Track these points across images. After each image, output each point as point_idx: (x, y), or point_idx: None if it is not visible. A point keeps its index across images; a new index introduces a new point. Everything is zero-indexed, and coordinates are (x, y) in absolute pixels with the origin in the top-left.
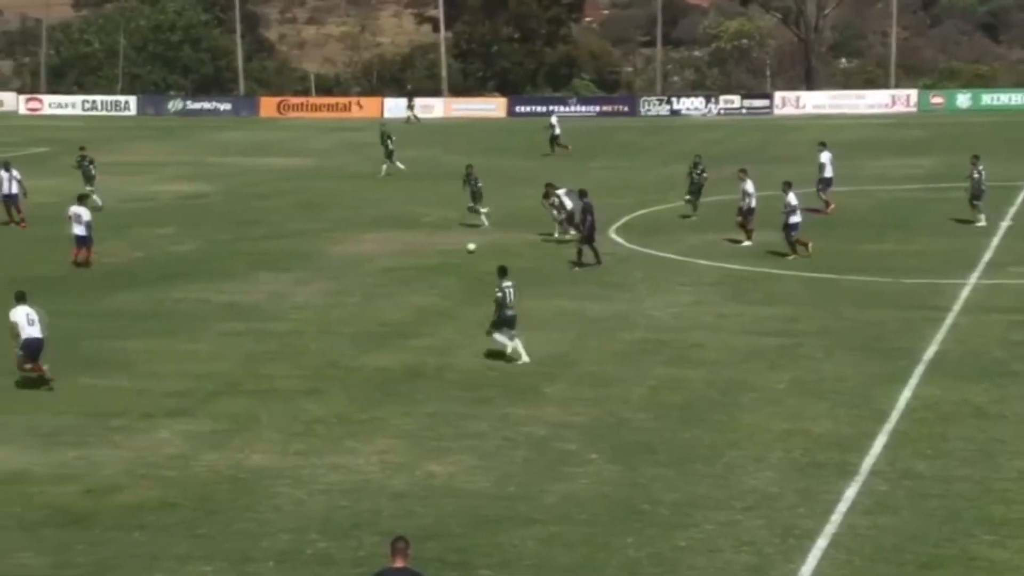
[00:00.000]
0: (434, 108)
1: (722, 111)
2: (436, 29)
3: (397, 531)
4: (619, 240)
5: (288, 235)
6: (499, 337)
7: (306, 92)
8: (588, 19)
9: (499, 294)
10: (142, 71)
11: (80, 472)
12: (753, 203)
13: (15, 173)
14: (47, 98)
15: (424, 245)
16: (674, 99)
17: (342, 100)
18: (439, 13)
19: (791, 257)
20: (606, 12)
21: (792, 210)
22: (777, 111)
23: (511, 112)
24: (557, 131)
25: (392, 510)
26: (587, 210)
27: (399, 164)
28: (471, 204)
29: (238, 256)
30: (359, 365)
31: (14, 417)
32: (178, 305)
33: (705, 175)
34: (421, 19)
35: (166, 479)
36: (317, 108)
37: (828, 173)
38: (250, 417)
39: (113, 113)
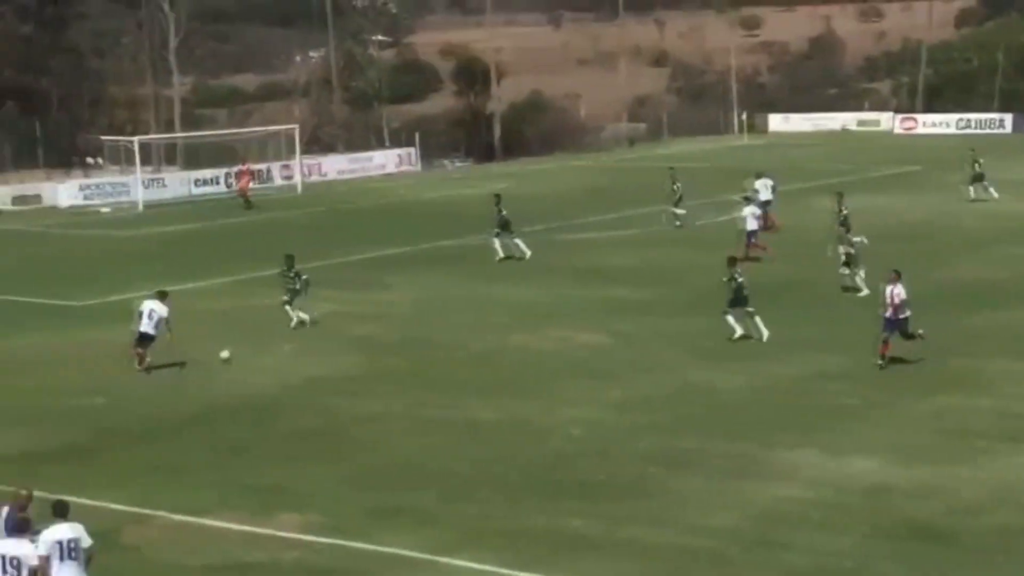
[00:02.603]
0: None
1: None
2: None
3: None
4: None
5: None
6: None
7: None
8: None
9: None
10: (1020, 87)
11: (940, 490)
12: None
13: (767, 181)
14: (921, 117)
15: None
16: None
17: None
18: None
19: None
20: None
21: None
22: None
23: None
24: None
25: None
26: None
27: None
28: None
29: None
30: None
31: (877, 431)
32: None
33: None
34: None
35: None
36: None
37: None
38: None
39: (987, 131)
